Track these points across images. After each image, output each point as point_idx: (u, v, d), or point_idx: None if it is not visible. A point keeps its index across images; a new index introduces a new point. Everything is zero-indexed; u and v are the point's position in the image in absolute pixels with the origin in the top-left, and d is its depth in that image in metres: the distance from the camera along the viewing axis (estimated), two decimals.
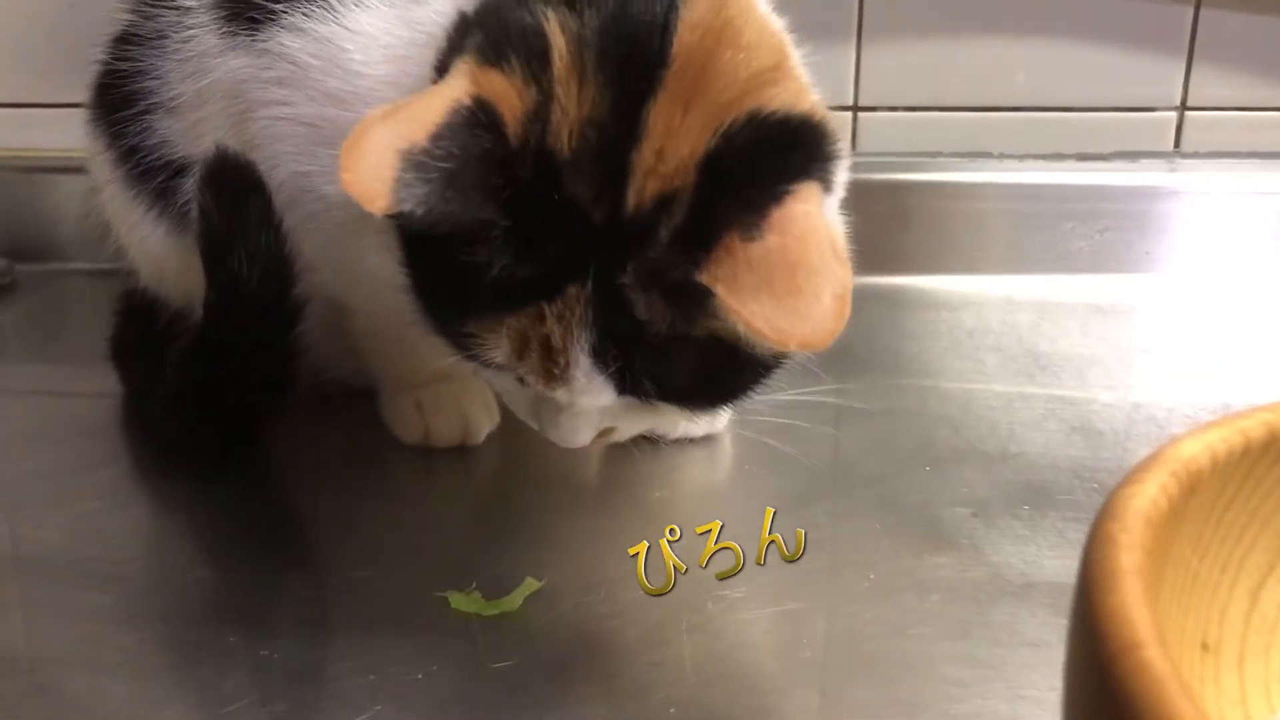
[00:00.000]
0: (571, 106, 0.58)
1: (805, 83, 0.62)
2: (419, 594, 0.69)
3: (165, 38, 0.78)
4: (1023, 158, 1.13)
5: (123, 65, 0.79)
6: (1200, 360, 0.96)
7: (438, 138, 0.56)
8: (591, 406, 0.62)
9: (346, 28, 0.71)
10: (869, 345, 0.97)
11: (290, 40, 0.72)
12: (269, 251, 0.74)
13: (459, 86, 0.58)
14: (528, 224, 0.58)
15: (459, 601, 0.67)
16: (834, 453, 0.85)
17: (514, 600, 0.67)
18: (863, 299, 1.07)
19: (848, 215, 0.68)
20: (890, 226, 1.10)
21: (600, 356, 0.59)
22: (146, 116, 0.79)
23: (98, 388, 0.89)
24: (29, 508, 0.78)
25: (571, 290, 0.58)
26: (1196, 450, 0.43)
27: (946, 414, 0.88)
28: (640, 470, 0.81)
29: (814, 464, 0.81)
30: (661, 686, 0.63)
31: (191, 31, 0.77)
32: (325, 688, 0.64)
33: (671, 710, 0.61)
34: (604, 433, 0.67)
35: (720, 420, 0.82)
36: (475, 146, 0.57)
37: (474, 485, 0.84)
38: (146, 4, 0.79)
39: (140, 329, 0.89)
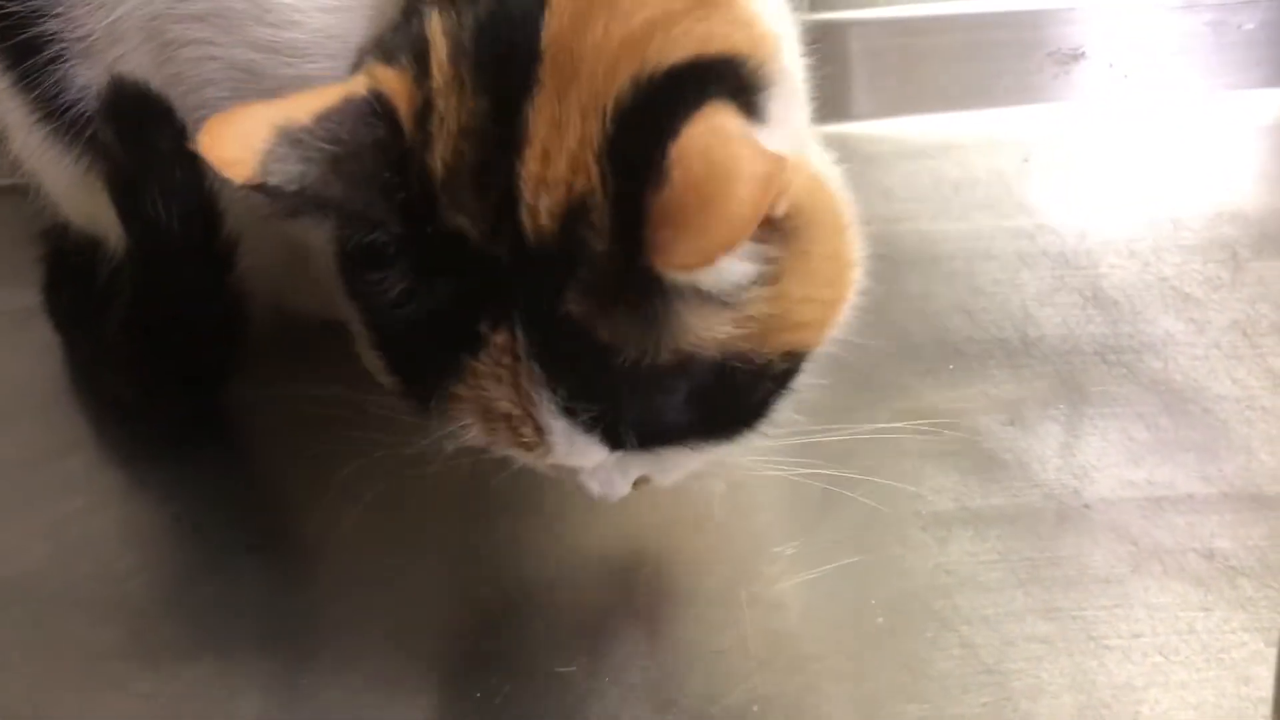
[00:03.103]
0: (450, 118, 0.50)
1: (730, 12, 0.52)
2: (446, 583, 0.65)
3: None
4: None
5: (15, 6, 0.68)
6: (1192, 194, 0.91)
7: (323, 119, 0.49)
8: (593, 466, 0.55)
9: None
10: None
11: None
12: (187, 188, 0.66)
13: (356, 81, 0.51)
14: (420, 239, 0.50)
15: None
16: (849, 359, 0.80)
17: None
18: (837, 153, 1.02)
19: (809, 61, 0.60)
20: (856, 69, 1.03)
21: (572, 413, 0.51)
22: (58, 64, 0.68)
23: (28, 339, 0.80)
24: None
25: (498, 340, 0.50)
26: None
27: (956, 297, 0.84)
28: None
29: (832, 378, 0.77)
30: (735, 679, 0.59)
31: None
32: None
33: (755, 708, 0.58)
34: (640, 480, 0.59)
35: None
36: (367, 135, 0.49)
37: None
38: None
39: (76, 279, 0.80)
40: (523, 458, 0.55)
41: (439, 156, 0.50)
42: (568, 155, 0.49)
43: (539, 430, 0.52)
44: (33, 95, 0.70)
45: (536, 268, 0.49)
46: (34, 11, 0.67)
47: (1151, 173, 0.95)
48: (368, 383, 0.77)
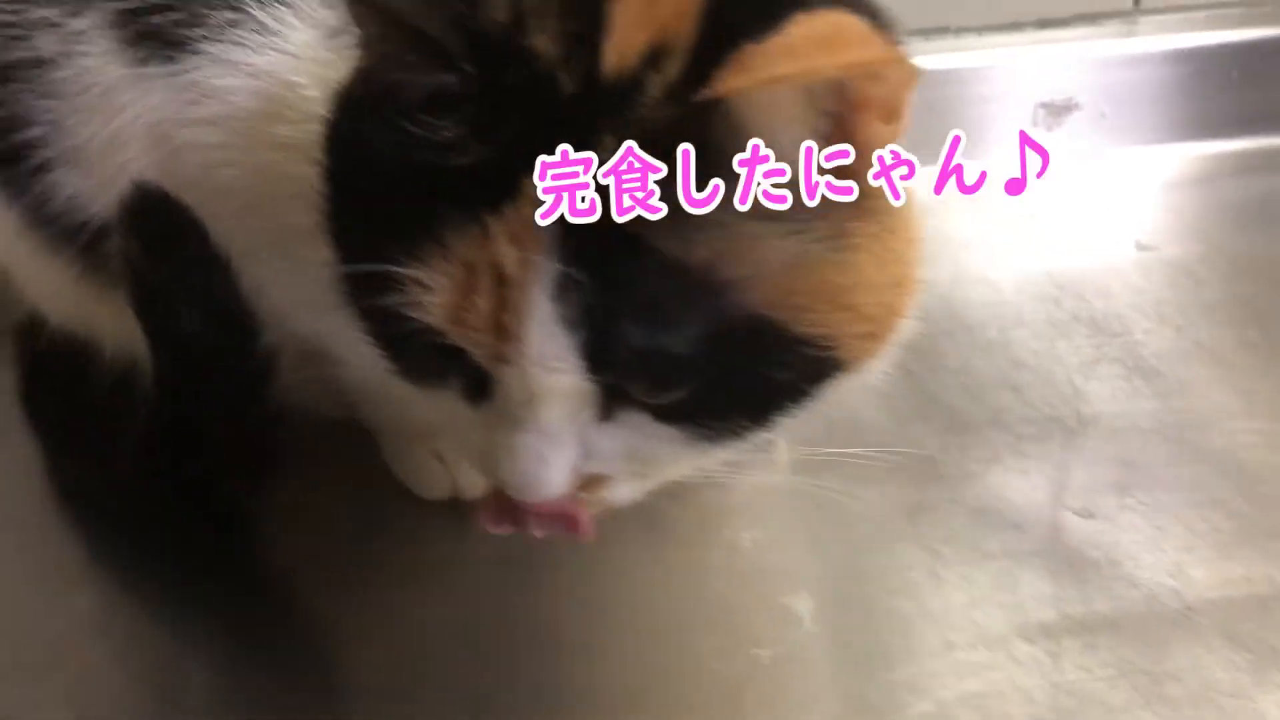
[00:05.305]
0: None
1: None
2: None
3: (51, 70, 0.60)
4: (981, 30, 1.03)
5: None
6: (1202, 245, 0.90)
7: None
8: (554, 395, 0.46)
9: (292, 55, 0.56)
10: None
11: (218, 74, 0.57)
12: (222, 296, 0.60)
13: None
14: (494, 81, 0.45)
15: None
16: (911, 446, 0.76)
17: None
18: None
19: None
20: None
21: (565, 293, 0.44)
22: (44, 174, 0.61)
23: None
24: None
25: (528, 190, 0.44)
26: None
27: (998, 371, 0.81)
28: (726, 504, 0.70)
29: (900, 467, 0.73)
30: None
31: (88, 61, 0.59)
32: None
33: None
34: (590, 484, 0.50)
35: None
36: None
37: (515, 542, 0.71)
38: (14, 25, 0.60)
39: (63, 387, 0.73)
40: (481, 356, 0.47)
41: None
42: (670, 5, 0.45)
43: (525, 311, 0.45)
44: (20, 203, 0.63)
45: (594, 106, 0.45)
46: (11, 119, 0.61)
47: (1157, 225, 0.94)
48: (387, 489, 0.72)
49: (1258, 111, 1.02)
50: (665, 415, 0.47)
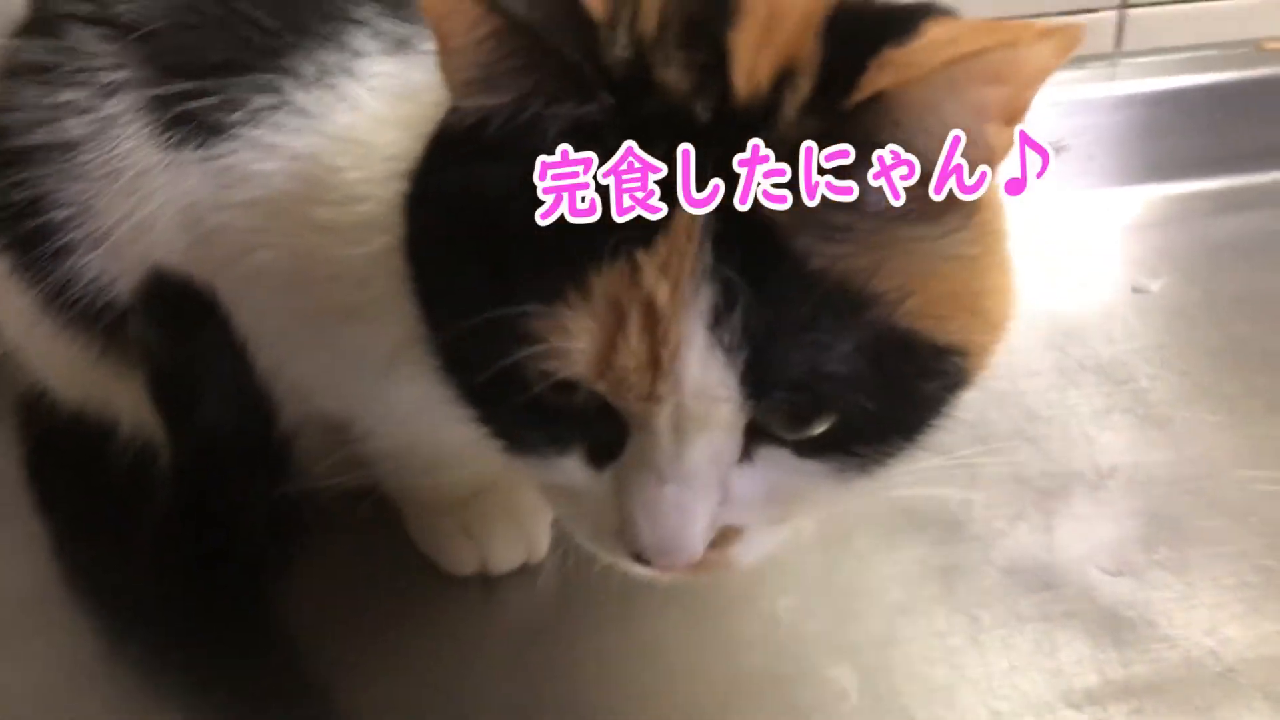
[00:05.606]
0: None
1: None
2: None
3: (79, 154, 0.59)
4: None
5: (16, 195, 0.59)
6: (1194, 286, 0.91)
7: None
8: (706, 430, 0.45)
9: (332, 137, 0.55)
10: None
11: (256, 159, 0.56)
12: (241, 382, 0.59)
13: None
14: (629, 114, 0.44)
15: None
16: (921, 495, 0.76)
17: None
18: None
19: None
20: None
21: (721, 318, 0.43)
22: (68, 257, 0.60)
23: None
24: None
25: (680, 219, 0.44)
26: None
27: (1014, 424, 0.81)
28: (757, 571, 0.70)
29: (932, 526, 0.73)
30: None
31: (119, 145, 0.58)
32: None
33: None
34: (721, 539, 0.48)
35: None
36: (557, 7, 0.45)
37: (545, 617, 0.71)
38: (41, 106, 0.58)
39: (76, 462, 0.71)
40: (630, 400, 0.45)
41: (649, 18, 0.46)
42: (788, 26, 0.46)
43: (679, 345, 0.44)
44: (39, 285, 0.62)
45: (737, 126, 0.45)
46: (36, 200, 0.59)
47: (1148, 265, 0.95)
48: (410, 564, 0.71)
49: (1241, 150, 1.03)
50: (809, 449, 0.47)
